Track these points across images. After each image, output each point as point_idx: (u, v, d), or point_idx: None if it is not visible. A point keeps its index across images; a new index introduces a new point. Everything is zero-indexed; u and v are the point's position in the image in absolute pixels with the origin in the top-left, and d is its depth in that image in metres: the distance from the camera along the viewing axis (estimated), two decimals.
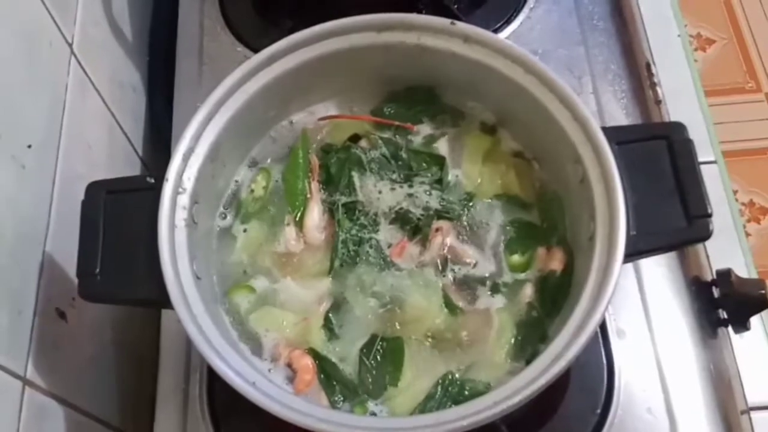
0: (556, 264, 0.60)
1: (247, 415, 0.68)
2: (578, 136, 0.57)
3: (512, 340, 0.57)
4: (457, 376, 0.56)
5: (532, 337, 0.57)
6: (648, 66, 0.90)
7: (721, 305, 0.76)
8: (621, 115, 0.83)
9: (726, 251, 0.79)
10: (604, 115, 0.83)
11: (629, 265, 0.75)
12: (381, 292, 0.59)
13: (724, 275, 0.76)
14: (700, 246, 0.78)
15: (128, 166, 0.86)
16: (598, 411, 0.67)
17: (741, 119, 1.83)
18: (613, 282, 0.52)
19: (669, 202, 0.54)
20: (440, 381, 0.56)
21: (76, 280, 0.67)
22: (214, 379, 0.70)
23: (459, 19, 0.61)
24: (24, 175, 0.60)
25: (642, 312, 0.73)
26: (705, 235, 0.53)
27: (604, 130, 0.56)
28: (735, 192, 1.70)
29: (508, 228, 0.62)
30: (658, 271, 0.76)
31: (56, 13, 0.68)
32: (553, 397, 0.68)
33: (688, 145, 0.56)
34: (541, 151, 0.64)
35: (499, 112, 0.65)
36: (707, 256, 0.79)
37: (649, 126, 0.62)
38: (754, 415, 0.69)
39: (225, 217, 0.63)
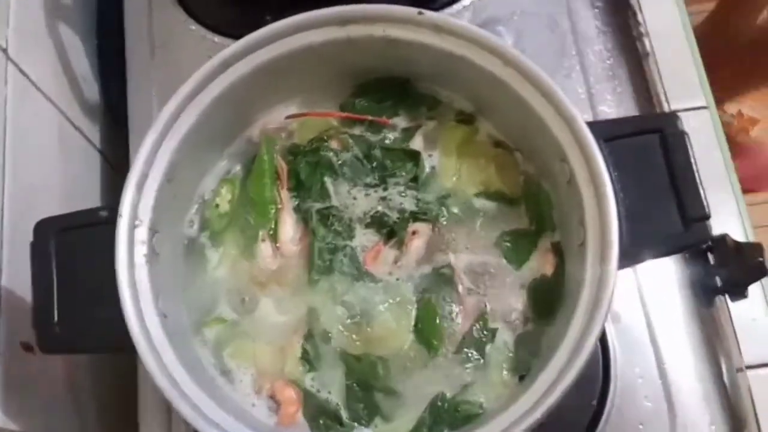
0: (547, 267, 0.56)
1: None
2: (563, 134, 0.52)
3: (508, 355, 0.54)
4: (448, 396, 0.54)
5: (526, 351, 0.54)
6: (634, 15, 0.85)
7: (717, 273, 0.74)
8: (607, 77, 0.78)
9: (720, 212, 0.76)
10: (589, 79, 0.78)
11: None
12: (351, 303, 0.56)
13: (720, 241, 0.73)
14: None
15: (86, 163, 0.81)
16: (594, 402, 0.65)
17: None
18: (608, 296, 0.48)
19: (664, 204, 0.51)
20: (432, 403, 0.53)
21: None
22: None
23: (428, 6, 0.55)
24: None
25: (635, 288, 0.70)
26: (703, 239, 0.50)
27: (591, 125, 0.52)
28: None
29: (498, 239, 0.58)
30: None
31: None
32: None
33: (682, 139, 0.52)
34: (524, 142, 0.59)
35: (477, 100, 0.60)
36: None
37: (640, 118, 0.58)
38: (755, 394, 0.68)
39: (191, 239, 0.59)
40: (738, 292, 0.72)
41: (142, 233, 0.52)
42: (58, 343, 0.51)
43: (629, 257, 0.50)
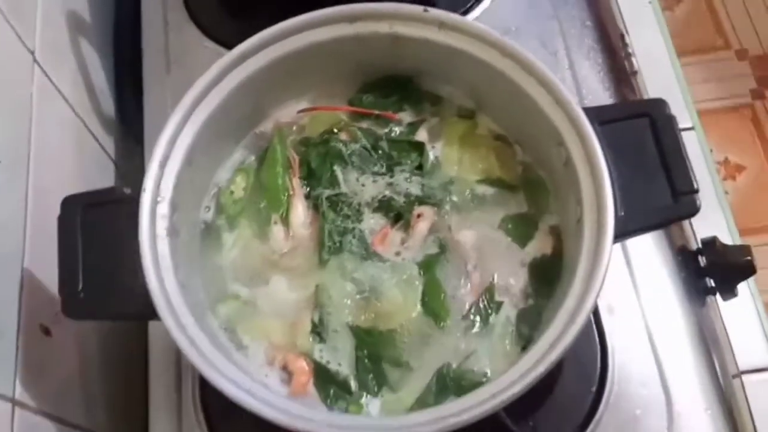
0: (546, 248, 0.59)
1: (242, 418, 0.68)
2: (560, 119, 0.56)
3: (510, 329, 0.57)
4: (453, 366, 0.56)
5: (527, 324, 0.57)
6: (622, 37, 0.90)
7: (707, 273, 0.76)
8: (599, 89, 0.83)
9: (709, 218, 0.79)
10: (582, 90, 0.82)
11: (618, 249, 0.75)
12: (360, 280, 0.58)
13: (710, 244, 0.76)
14: None
15: (101, 171, 0.84)
16: (594, 389, 0.67)
17: (712, 78, 1.85)
18: (605, 265, 0.51)
19: (655, 180, 0.54)
20: (437, 373, 0.55)
21: (58, 295, 0.66)
22: (206, 384, 0.69)
23: (431, 5, 0.60)
24: None
25: (631, 286, 0.73)
26: (692, 210, 0.53)
27: (586, 110, 0.55)
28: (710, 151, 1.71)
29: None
30: (644, 243, 0.76)
31: (15, 23, 0.66)
32: (548, 378, 0.67)
33: (670, 122, 0.55)
34: (522, 134, 0.63)
35: (478, 96, 0.64)
36: (691, 225, 0.79)
37: (631, 104, 0.62)
38: (745, 378, 0.70)
39: (207, 223, 0.62)
40: (728, 290, 0.75)
41: (163, 208, 0.55)
42: (83, 309, 0.53)
43: (623, 229, 0.53)
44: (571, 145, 0.56)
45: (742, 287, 0.75)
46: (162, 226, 0.54)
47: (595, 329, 0.69)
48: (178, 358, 0.71)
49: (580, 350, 0.68)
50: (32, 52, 0.70)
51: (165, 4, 0.90)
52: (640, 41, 0.89)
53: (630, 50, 0.89)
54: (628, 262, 0.74)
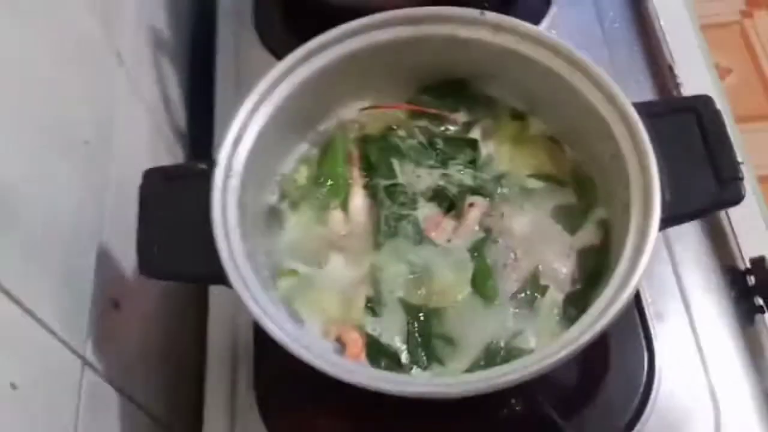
0: (595, 239, 0.62)
1: (295, 403, 0.70)
2: (609, 113, 0.59)
3: (556, 311, 0.59)
4: (501, 344, 0.58)
5: (573, 307, 0.59)
6: (670, 68, 0.93)
7: (757, 292, 0.77)
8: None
9: (753, 237, 0.80)
10: None
11: (665, 256, 0.76)
12: (414, 261, 0.61)
13: (759, 262, 0.77)
14: (730, 234, 0.80)
15: None
16: (641, 390, 0.68)
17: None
18: (650, 245, 0.53)
19: (700, 168, 0.56)
20: (485, 348, 0.57)
21: (129, 273, 0.70)
22: (261, 374, 0.72)
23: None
24: (82, 169, 0.64)
25: (680, 298, 0.74)
26: (737, 197, 0.55)
27: (634, 105, 0.59)
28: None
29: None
30: (694, 260, 0.76)
31: (106, 24, 0.73)
32: (595, 377, 0.69)
33: (717, 116, 0.58)
34: (572, 133, 0.66)
35: (530, 98, 0.68)
36: (738, 245, 0.80)
37: (678, 99, 0.64)
38: None
39: (271, 206, 0.66)
40: None
41: (234, 182, 0.59)
42: (157, 268, 0.57)
43: (669, 212, 0.55)
44: (620, 138, 0.58)
45: None
46: (232, 198, 0.59)
47: (642, 332, 0.70)
48: (235, 344, 0.74)
49: (626, 353, 0.69)
50: (119, 55, 0.76)
51: (237, 28, 0.97)
52: (686, 77, 0.92)
53: (679, 81, 0.92)
54: (678, 278, 0.75)
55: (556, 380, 0.68)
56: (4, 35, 0.53)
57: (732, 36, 1.95)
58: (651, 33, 0.94)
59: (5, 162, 0.51)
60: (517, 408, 0.66)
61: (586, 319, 0.52)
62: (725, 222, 0.80)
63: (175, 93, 0.94)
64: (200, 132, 0.93)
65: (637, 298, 0.71)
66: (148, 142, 0.83)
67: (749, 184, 0.83)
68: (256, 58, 0.94)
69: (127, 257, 0.70)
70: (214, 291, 0.77)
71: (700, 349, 0.71)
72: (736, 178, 0.55)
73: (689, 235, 0.77)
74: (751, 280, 0.78)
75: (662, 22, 0.96)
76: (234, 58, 0.95)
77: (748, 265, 0.78)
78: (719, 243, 0.79)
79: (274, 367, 0.71)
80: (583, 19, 0.92)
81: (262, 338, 0.72)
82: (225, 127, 0.86)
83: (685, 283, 0.75)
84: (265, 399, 0.71)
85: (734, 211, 0.81)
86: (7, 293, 0.49)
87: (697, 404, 0.68)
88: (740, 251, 0.80)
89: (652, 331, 0.71)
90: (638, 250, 0.54)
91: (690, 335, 0.71)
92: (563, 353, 0.50)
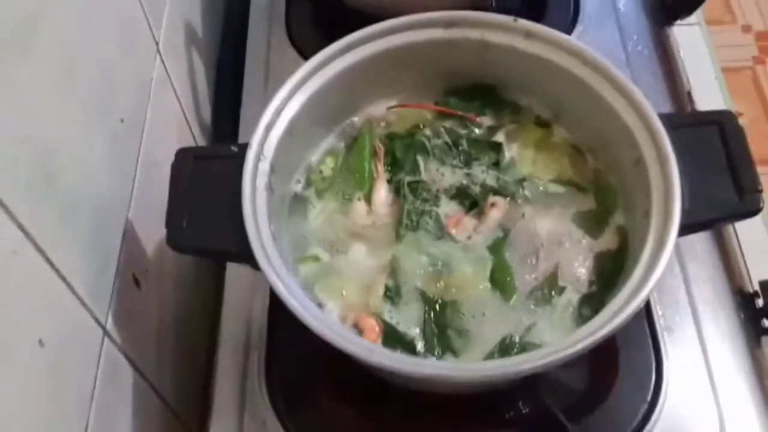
0: (613, 244, 0.63)
1: (305, 392, 0.71)
2: (633, 121, 0.61)
3: (571, 310, 0.60)
4: (516, 339, 0.59)
5: (588, 308, 0.60)
6: (689, 94, 0.95)
7: (765, 315, 0.78)
8: None
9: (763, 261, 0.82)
10: None
11: (677, 272, 0.77)
12: (434, 254, 0.63)
13: (766, 286, 0.78)
14: (739, 257, 0.81)
15: None
16: (648, 399, 0.68)
17: None
18: (669, 250, 0.55)
19: (721, 179, 0.58)
20: (500, 342, 0.58)
21: (150, 254, 0.72)
22: (272, 360, 0.73)
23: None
24: (116, 145, 0.65)
25: (690, 314, 0.74)
26: (756, 207, 0.57)
27: (659, 115, 0.60)
28: None
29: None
30: (705, 279, 0.77)
31: (150, 14, 0.75)
32: (604, 384, 0.69)
33: (739, 130, 0.59)
34: (595, 141, 0.67)
35: (555, 105, 0.70)
36: (746, 268, 0.81)
37: (702, 113, 0.65)
38: None
39: (297, 194, 0.68)
40: None
41: (264, 166, 0.61)
42: (185, 242, 0.59)
43: (689, 219, 0.56)
44: (643, 145, 0.60)
45: None
46: (262, 180, 0.60)
47: (651, 344, 0.71)
48: (248, 334, 0.74)
49: (636, 361, 0.70)
50: (157, 43, 0.79)
51: (269, 28, 0.99)
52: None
53: (696, 106, 0.94)
54: (689, 293, 0.76)
55: (565, 385, 0.69)
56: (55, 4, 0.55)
57: (744, 81, 1.99)
58: (672, 60, 0.96)
59: (49, 125, 0.53)
60: (525, 411, 0.67)
61: (601, 317, 0.53)
62: (735, 245, 0.81)
63: (203, 86, 0.96)
64: (225, 126, 0.95)
65: (648, 310, 0.72)
66: (175, 129, 0.84)
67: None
68: (286, 58, 0.96)
69: (149, 238, 0.72)
70: (230, 280, 0.78)
71: (708, 364, 0.71)
72: (756, 190, 0.57)
73: (703, 254, 0.78)
74: (759, 303, 0.79)
75: (682, 53, 0.98)
76: (264, 57, 0.97)
77: (757, 288, 0.79)
78: (730, 265, 0.80)
79: (285, 356, 0.72)
80: (608, 39, 0.94)
81: (275, 326, 0.74)
82: (251, 122, 0.90)
83: (696, 300, 0.76)
84: (275, 387, 0.71)
85: (743, 236, 0.83)
86: (42, 253, 0.51)
87: (703, 418, 0.69)
88: (749, 274, 0.81)
89: (662, 344, 0.71)
90: (656, 255, 0.55)
91: (698, 350, 0.72)
92: (579, 346, 0.51)
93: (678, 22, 1.00)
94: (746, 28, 2.11)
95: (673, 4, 1.00)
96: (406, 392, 0.64)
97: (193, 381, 0.80)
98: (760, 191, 0.57)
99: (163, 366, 0.74)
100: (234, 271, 0.78)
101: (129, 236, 0.67)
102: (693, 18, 1.08)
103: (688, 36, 1.08)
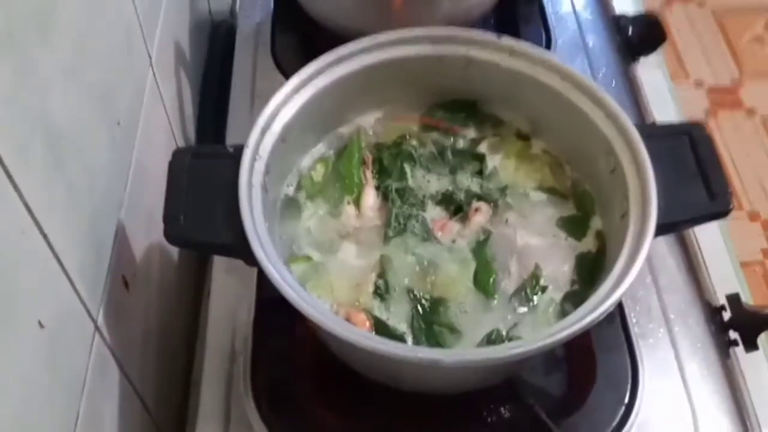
0: (592, 245, 0.66)
1: (291, 397, 0.71)
2: (610, 130, 0.65)
3: (553, 307, 0.62)
4: (503, 333, 0.61)
5: (572, 303, 0.62)
6: (653, 123, 1.01)
7: (732, 327, 0.82)
8: None
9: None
10: None
11: (649, 282, 0.80)
12: (421, 254, 0.65)
13: (734, 299, 0.82)
14: (705, 275, 0.85)
15: None
16: (625, 401, 0.70)
17: None
18: (646, 248, 0.58)
19: (693, 182, 0.62)
20: (487, 336, 0.60)
21: (139, 257, 0.73)
22: (258, 365, 0.73)
23: None
24: (113, 146, 0.67)
25: (663, 321, 0.77)
26: (726, 208, 0.60)
27: (635, 126, 0.64)
28: None
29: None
30: (675, 290, 0.81)
31: (144, 27, 0.78)
32: (582, 388, 0.71)
33: (708, 139, 0.64)
34: (572, 152, 0.71)
35: (535, 120, 0.73)
36: (712, 285, 0.86)
37: (673, 125, 0.70)
38: None
39: (289, 196, 0.69)
40: (750, 342, 0.80)
41: (260, 166, 0.63)
42: (182, 235, 0.60)
43: (665, 219, 0.60)
44: (620, 153, 0.64)
45: None
46: (257, 179, 0.62)
47: (627, 349, 0.74)
48: (233, 337, 0.75)
49: (612, 365, 0.72)
50: (150, 57, 0.81)
51: (255, 53, 1.02)
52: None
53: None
54: (662, 301, 0.79)
55: (545, 389, 0.71)
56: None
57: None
58: (637, 93, 1.02)
59: (59, 111, 0.54)
60: (506, 414, 0.68)
61: (585, 307, 0.56)
62: (701, 260, 0.85)
63: (189, 107, 0.98)
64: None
65: (623, 317, 0.75)
66: (164, 141, 0.86)
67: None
68: (270, 80, 0.99)
69: (138, 243, 0.73)
70: (215, 287, 0.79)
71: (681, 369, 0.74)
72: (726, 192, 0.60)
73: (672, 268, 0.82)
74: (725, 316, 0.82)
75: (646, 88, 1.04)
76: (250, 80, 1.00)
77: (724, 302, 0.83)
78: (697, 279, 0.84)
79: (271, 362, 0.73)
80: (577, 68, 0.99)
81: (260, 333, 0.74)
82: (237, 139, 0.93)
83: (669, 310, 0.79)
84: (261, 392, 0.72)
85: (707, 254, 0.87)
86: (45, 237, 0.52)
87: (677, 420, 0.71)
88: (713, 288, 0.85)
89: (637, 350, 0.74)
90: (634, 254, 0.58)
91: (672, 356, 0.75)
92: (567, 332, 0.53)
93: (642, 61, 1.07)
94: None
95: (638, 43, 1.06)
96: (392, 396, 0.65)
97: (173, 388, 0.80)
98: (731, 193, 0.61)
99: (145, 370, 0.74)
100: (220, 279, 0.79)
101: (120, 238, 0.68)
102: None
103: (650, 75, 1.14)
